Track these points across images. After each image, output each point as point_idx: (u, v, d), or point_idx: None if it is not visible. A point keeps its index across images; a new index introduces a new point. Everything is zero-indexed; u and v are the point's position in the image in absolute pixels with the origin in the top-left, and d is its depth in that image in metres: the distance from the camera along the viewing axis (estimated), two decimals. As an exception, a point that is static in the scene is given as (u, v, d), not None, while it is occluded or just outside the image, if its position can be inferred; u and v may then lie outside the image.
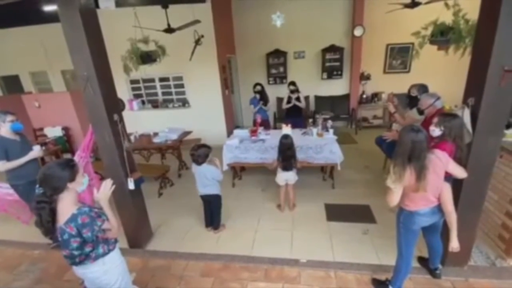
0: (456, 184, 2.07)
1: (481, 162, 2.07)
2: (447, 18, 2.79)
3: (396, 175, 1.73)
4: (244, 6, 6.79)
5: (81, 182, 1.61)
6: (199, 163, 2.92)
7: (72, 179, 1.54)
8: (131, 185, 2.76)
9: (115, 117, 2.60)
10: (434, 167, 1.74)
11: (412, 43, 6.33)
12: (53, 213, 1.50)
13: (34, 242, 3.18)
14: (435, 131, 2.06)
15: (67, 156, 5.62)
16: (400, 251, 2.07)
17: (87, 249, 1.58)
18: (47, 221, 1.48)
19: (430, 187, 1.75)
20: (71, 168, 1.55)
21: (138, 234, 3.03)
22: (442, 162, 1.77)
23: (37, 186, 1.50)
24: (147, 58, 3.90)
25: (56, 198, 1.51)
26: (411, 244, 2.01)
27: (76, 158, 3.11)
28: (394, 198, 1.81)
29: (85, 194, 2.75)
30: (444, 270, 2.36)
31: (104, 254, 1.67)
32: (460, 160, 1.95)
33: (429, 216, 1.89)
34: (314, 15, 6.67)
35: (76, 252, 1.54)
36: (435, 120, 2.10)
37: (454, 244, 1.93)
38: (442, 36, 2.63)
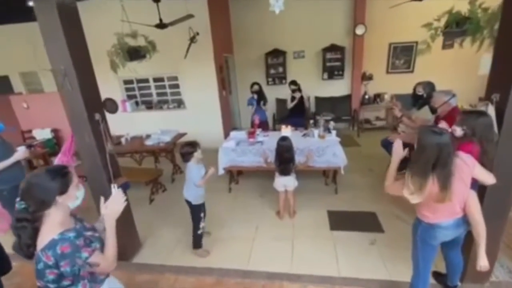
0: (479, 191, 1.82)
1: (508, 164, 1.83)
2: (461, 8, 2.55)
3: (415, 185, 1.47)
4: (242, 3, 6.57)
5: (75, 196, 1.30)
6: (184, 160, 2.61)
7: (63, 191, 1.23)
8: (114, 192, 2.50)
9: (97, 116, 2.35)
10: (460, 173, 1.49)
11: (416, 42, 6.13)
12: (35, 234, 1.19)
13: (9, 253, 2.91)
14: (457, 131, 1.80)
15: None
16: (416, 268, 1.82)
17: (65, 282, 1.23)
18: (26, 244, 1.18)
19: (456, 196, 1.50)
20: (62, 177, 1.24)
21: (123, 246, 2.74)
22: (468, 166, 1.52)
23: (17, 199, 1.19)
24: (135, 53, 3.62)
25: (41, 215, 1.19)
26: (429, 260, 1.77)
27: (56, 162, 2.86)
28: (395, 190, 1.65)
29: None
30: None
31: None
32: (484, 166, 1.68)
33: (453, 229, 1.64)
34: (314, 14, 6.45)
35: (51, 286, 1.21)
36: (458, 118, 1.85)
37: (483, 262, 1.64)
38: (458, 27, 2.39)
